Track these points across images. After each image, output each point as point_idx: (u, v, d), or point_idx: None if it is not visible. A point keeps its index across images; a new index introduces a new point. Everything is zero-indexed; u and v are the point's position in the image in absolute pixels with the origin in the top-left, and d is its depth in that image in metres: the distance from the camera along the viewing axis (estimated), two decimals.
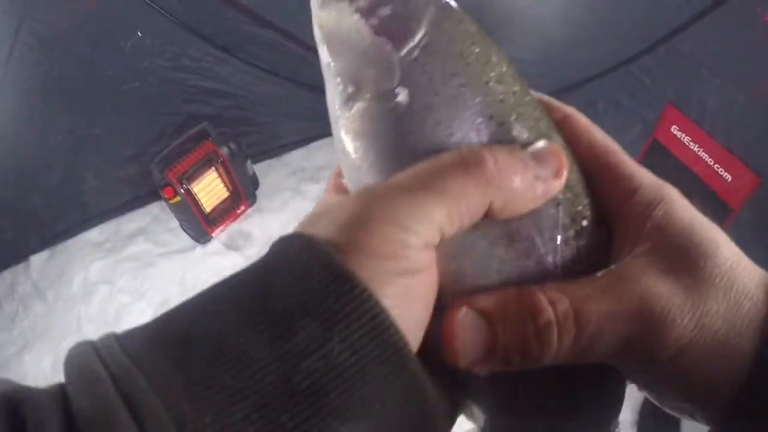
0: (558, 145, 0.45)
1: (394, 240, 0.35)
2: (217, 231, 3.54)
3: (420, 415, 0.34)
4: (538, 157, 0.42)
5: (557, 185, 0.42)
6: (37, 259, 3.41)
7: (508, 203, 0.39)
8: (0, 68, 2.82)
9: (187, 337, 0.34)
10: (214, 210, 3.46)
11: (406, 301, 0.35)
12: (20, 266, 3.39)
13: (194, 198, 3.33)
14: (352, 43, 0.46)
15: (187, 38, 3.19)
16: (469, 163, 0.39)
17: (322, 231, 0.36)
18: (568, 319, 0.38)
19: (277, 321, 0.33)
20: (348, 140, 0.47)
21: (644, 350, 0.38)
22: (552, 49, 3.15)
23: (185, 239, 3.54)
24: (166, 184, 3.25)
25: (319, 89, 1.75)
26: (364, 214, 0.36)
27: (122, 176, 3.42)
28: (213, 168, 3.36)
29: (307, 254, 0.35)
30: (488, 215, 0.39)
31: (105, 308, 3.30)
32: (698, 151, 2.67)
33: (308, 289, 0.33)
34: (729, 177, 2.56)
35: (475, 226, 0.40)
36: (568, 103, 1.61)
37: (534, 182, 0.41)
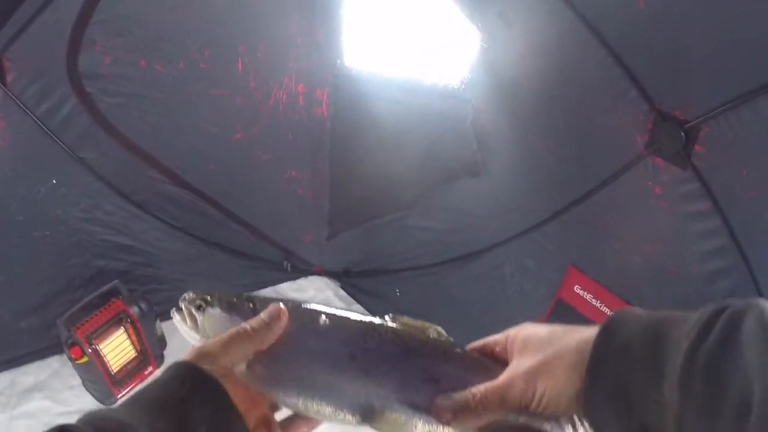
0: (275, 305, 0.90)
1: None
2: (124, 392, 3.38)
3: None
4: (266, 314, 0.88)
5: (280, 322, 0.89)
6: None
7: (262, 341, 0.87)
8: None
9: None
10: (120, 370, 3.34)
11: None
12: None
13: (102, 358, 3.22)
14: (224, 325, 0.90)
15: (102, 191, 3.27)
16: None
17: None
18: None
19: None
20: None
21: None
22: (463, 220, 3.27)
23: (88, 399, 3.38)
24: (74, 344, 3.15)
25: (228, 250, 2.90)
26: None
27: (23, 327, 3.33)
28: (122, 327, 3.29)
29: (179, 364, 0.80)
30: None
31: None
32: (599, 305, 2.79)
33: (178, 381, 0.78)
34: None
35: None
36: (477, 267, 2.94)
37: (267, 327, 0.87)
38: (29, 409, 3.31)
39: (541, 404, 0.78)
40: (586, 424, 0.77)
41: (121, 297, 3.33)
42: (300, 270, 3.93)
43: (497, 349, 0.91)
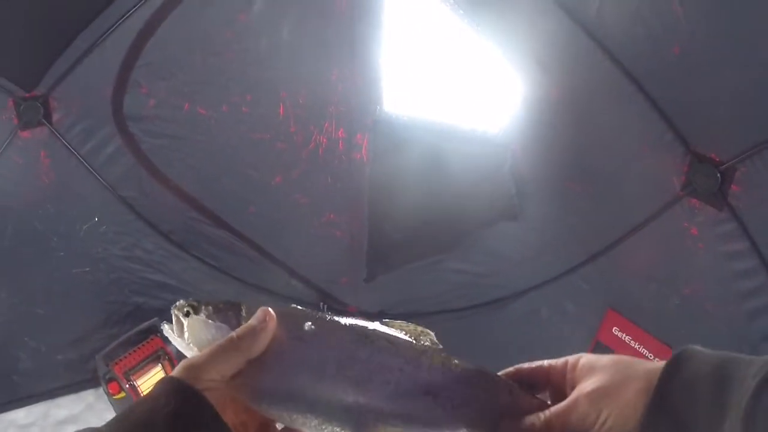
0: (263, 308, 0.85)
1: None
2: None
3: None
4: (254, 319, 0.85)
5: (269, 326, 0.84)
6: None
7: (251, 349, 0.82)
8: None
9: None
10: None
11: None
12: None
13: (139, 394, 3.23)
14: (209, 332, 0.86)
15: (143, 230, 3.33)
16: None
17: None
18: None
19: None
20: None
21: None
22: (499, 263, 3.25)
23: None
24: (111, 379, 3.19)
25: (265, 291, 2.85)
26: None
27: (59, 360, 3.38)
28: (160, 364, 3.32)
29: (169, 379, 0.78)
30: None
31: None
32: (638, 347, 2.78)
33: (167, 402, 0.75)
34: None
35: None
36: (513, 311, 2.85)
37: (255, 334, 0.83)
38: None
39: (604, 428, 0.78)
40: None
41: (159, 334, 3.36)
42: (335, 310, 3.91)
43: (552, 374, 0.89)
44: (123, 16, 2.80)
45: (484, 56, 2.85)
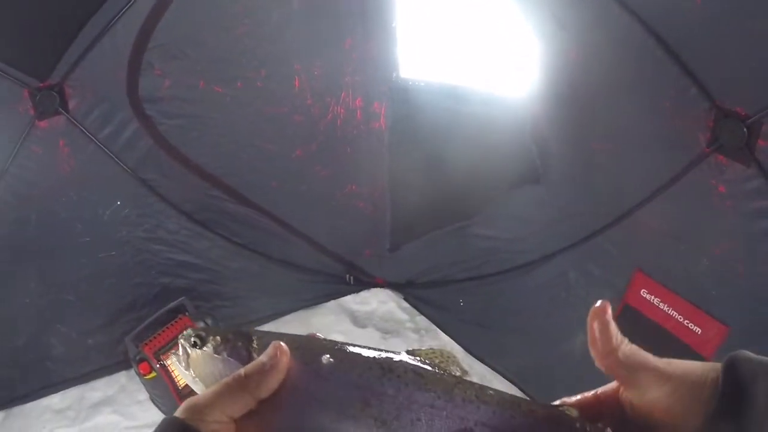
0: (275, 343, 0.78)
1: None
2: None
3: None
4: (265, 356, 0.77)
5: (280, 365, 0.76)
6: None
7: (260, 389, 0.75)
8: None
9: None
10: (187, 386, 3.35)
11: None
12: None
13: (169, 374, 3.26)
14: (216, 367, 0.81)
15: (165, 211, 3.33)
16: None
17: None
18: None
19: None
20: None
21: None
22: (525, 228, 3.21)
23: (155, 413, 3.43)
24: (142, 359, 3.21)
25: (291, 265, 2.85)
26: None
27: (90, 344, 3.42)
28: None
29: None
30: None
31: None
32: (668, 310, 2.72)
33: None
34: (699, 330, 2.61)
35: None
36: (540, 275, 2.87)
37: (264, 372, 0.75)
38: (98, 423, 3.38)
39: (668, 387, 0.75)
40: None
41: (187, 313, 3.38)
42: (362, 282, 3.92)
43: (604, 399, 0.84)
44: None
45: (501, 17, 2.79)
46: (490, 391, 0.79)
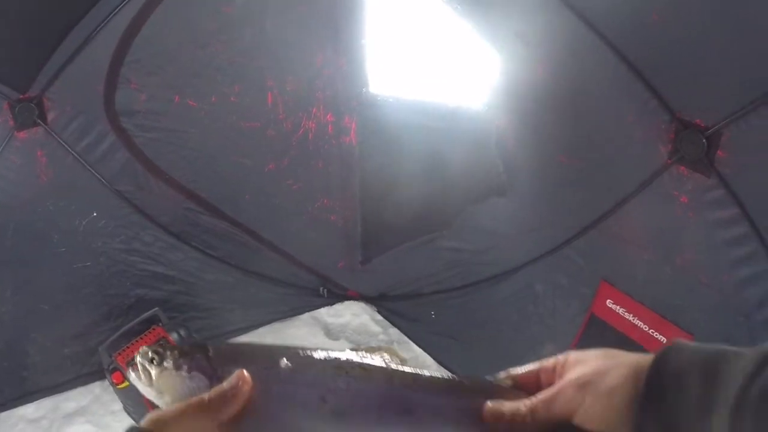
0: (238, 372, 0.82)
1: None
2: None
3: None
4: (227, 383, 0.82)
5: (242, 392, 0.81)
6: None
7: (222, 415, 0.80)
8: None
9: None
10: None
11: None
12: None
13: None
14: (177, 380, 0.85)
15: (141, 223, 3.39)
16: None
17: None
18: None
19: None
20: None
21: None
22: (492, 240, 3.28)
23: (129, 423, 3.40)
24: (115, 369, 3.24)
25: (265, 278, 3.00)
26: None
27: (65, 354, 3.44)
28: None
29: None
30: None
31: None
32: (633, 319, 2.77)
33: None
34: (663, 339, 2.65)
35: None
36: (508, 287, 2.92)
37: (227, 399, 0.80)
38: None
39: (588, 413, 0.80)
40: None
41: (161, 324, 3.40)
42: (336, 295, 3.98)
43: (544, 374, 0.91)
44: (110, 13, 2.85)
45: (465, 34, 2.90)
46: (426, 375, 0.90)
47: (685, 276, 2.52)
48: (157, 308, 3.43)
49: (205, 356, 0.87)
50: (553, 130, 2.83)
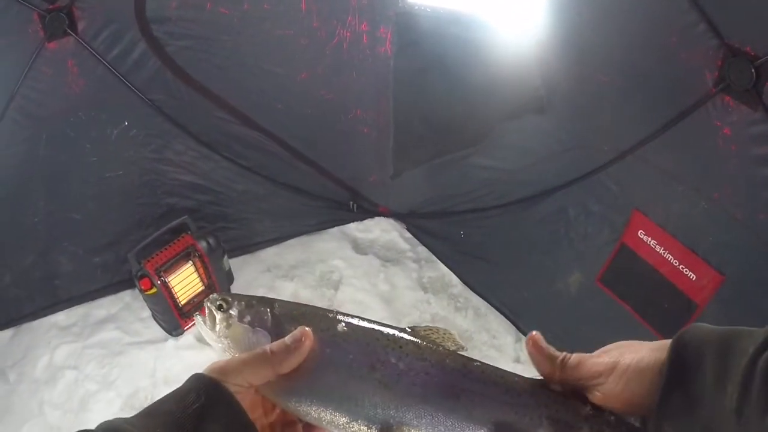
0: (301, 328, 0.87)
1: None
2: (190, 324, 3.52)
3: None
4: (290, 338, 0.86)
5: (303, 348, 0.86)
6: (1, 338, 3.44)
7: (281, 367, 0.85)
8: None
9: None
10: (188, 303, 3.47)
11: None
12: None
13: (170, 290, 3.36)
14: (240, 330, 0.91)
15: (172, 131, 3.35)
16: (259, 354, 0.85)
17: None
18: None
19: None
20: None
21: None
22: (526, 159, 3.21)
23: (157, 330, 3.53)
24: (143, 275, 3.28)
25: (295, 190, 2.82)
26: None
27: (97, 262, 3.49)
28: (190, 262, 3.39)
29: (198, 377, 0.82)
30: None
31: (70, 394, 3.25)
32: (664, 253, 2.72)
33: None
34: (694, 276, 2.60)
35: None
36: (540, 209, 2.74)
37: (289, 352, 0.85)
38: (102, 339, 3.48)
39: (617, 389, 0.82)
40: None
41: (190, 232, 3.43)
42: (366, 210, 3.98)
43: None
44: None
45: None
46: (476, 363, 0.91)
47: (720, 212, 2.47)
48: (186, 216, 3.44)
49: (269, 311, 0.92)
50: (594, 47, 2.71)
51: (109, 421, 0.76)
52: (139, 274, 3.27)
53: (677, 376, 0.78)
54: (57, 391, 3.27)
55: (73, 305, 3.55)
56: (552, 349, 0.87)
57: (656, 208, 2.74)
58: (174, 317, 3.45)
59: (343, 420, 0.86)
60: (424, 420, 0.86)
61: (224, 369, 0.82)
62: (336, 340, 0.88)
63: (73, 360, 3.38)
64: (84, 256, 3.45)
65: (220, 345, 0.92)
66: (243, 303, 0.92)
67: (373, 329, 0.92)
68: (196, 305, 3.50)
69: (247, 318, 0.91)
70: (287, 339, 0.86)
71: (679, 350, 0.79)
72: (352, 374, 0.87)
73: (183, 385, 0.82)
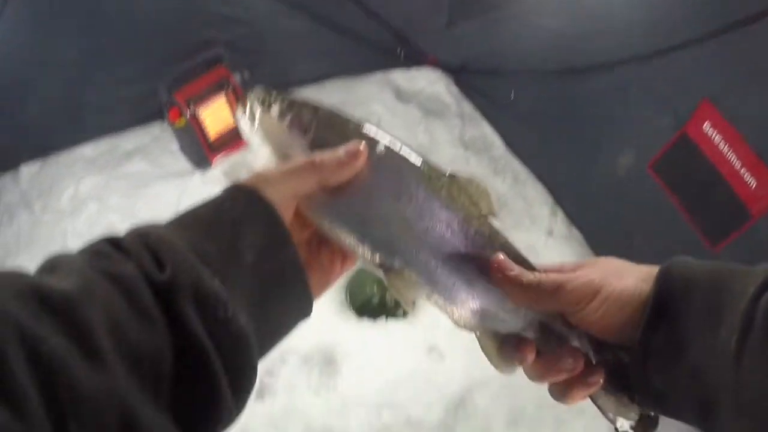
0: (357, 142, 0.79)
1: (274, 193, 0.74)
2: (219, 159, 3.43)
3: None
4: (345, 149, 0.78)
5: (356, 163, 0.78)
6: (27, 169, 3.38)
7: (329, 180, 0.77)
8: None
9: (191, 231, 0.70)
10: (218, 138, 3.36)
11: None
12: (8, 175, 3.37)
13: (199, 123, 3.24)
14: (276, 129, 0.84)
15: None
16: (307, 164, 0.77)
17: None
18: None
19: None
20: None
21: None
22: (596, 25, 2.92)
23: (184, 163, 3.46)
24: (172, 105, 3.17)
25: (340, 28, 2.59)
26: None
27: (125, 95, 3.35)
28: (223, 94, 3.26)
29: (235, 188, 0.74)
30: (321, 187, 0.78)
31: (93, 225, 3.23)
32: (727, 152, 2.50)
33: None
34: (754, 184, 2.40)
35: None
36: (601, 82, 2.58)
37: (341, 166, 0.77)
38: (128, 171, 3.42)
39: (596, 314, 0.76)
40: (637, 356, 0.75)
41: (224, 64, 3.27)
42: (413, 59, 3.76)
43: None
44: None
45: None
46: (501, 239, 0.84)
47: None
48: (221, 46, 3.27)
49: (311, 115, 0.85)
50: None
51: (139, 226, 0.70)
52: (169, 104, 3.18)
53: (662, 311, 0.72)
54: (80, 221, 3.25)
55: (100, 136, 3.45)
56: (525, 274, 0.79)
57: (729, 102, 2.48)
58: (203, 150, 3.36)
59: (350, 240, 0.81)
60: (425, 268, 0.81)
61: (266, 178, 0.75)
62: (373, 161, 0.81)
63: (98, 192, 3.34)
64: (114, 88, 3.30)
65: (255, 138, 0.86)
66: (286, 101, 0.85)
67: (412, 161, 0.84)
68: (225, 140, 3.40)
69: (288, 118, 0.84)
70: (341, 151, 0.78)
71: (666, 283, 0.73)
72: (382, 200, 0.82)
73: (218, 193, 0.74)
